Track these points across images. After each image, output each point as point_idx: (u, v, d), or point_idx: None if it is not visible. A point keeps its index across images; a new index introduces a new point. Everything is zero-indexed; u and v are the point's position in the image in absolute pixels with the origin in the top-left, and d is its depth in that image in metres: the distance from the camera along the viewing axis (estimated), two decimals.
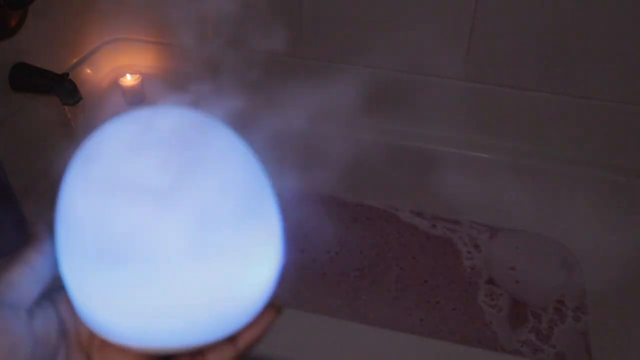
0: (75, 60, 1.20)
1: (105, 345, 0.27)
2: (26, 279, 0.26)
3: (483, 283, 1.16)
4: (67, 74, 1.03)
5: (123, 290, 0.24)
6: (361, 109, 1.24)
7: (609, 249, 1.15)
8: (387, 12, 1.09)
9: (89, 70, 1.24)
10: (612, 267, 1.13)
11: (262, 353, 0.80)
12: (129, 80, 1.30)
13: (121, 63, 1.33)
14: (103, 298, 0.25)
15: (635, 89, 1.05)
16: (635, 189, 1.11)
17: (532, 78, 1.10)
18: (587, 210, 1.18)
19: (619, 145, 1.13)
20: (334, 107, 1.26)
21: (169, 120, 0.27)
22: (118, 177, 0.25)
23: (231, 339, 0.28)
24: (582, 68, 1.06)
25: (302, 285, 1.16)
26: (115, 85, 1.32)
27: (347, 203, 1.33)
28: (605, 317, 1.07)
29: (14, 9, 0.96)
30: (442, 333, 1.07)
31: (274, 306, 0.28)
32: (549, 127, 1.15)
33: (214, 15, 1.21)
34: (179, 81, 1.34)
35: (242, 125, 1.29)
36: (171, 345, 0.26)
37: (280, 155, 1.34)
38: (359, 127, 1.25)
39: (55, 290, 0.27)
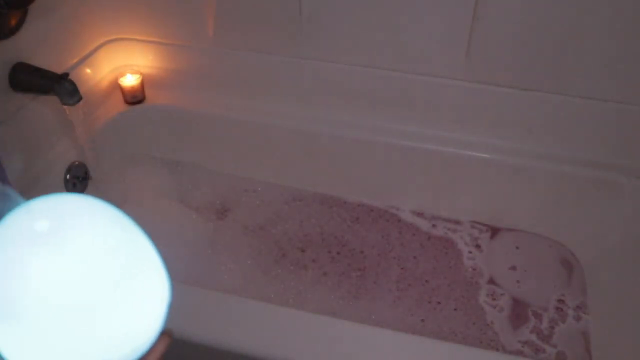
0: (75, 60, 1.20)
1: None
2: None
3: (484, 283, 1.16)
4: (67, 74, 1.02)
5: (40, 344, 0.31)
6: (361, 109, 1.25)
7: (609, 249, 1.16)
8: (387, 12, 1.09)
9: (89, 70, 1.24)
10: (612, 267, 1.14)
11: (263, 353, 0.80)
12: (129, 80, 1.30)
13: (121, 63, 1.32)
14: (26, 353, 0.31)
15: (635, 89, 1.06)
16: (635, 189, 1.12)
17: (532, 78, 1.10)
18: (587, 210, 1.18)
19: (619, 145, 1.13)
20: (334, 107, 1.26)
21: (59, 208, 0.33)
22: (16, 261, 0.31)
23: None
24: (582, 68, 1.06)
25: (302, 285, 1.16)
26: (115, 85, 1.32)
27: (347, 203, 1.33)
28: (605, 317, 1.08)
29: (14, 9, 0.96)
30: (444, 333, 1.07)
31: (167, 333, 0.37)
32: (549, 127, 1.15)
33: (213, 15, 1.21)
34: (179, 81, 1.34)
35: (242, 125, 1.28)
36: None
37: (281, 155, 1.34)
38: (359, 127, 1.25)
39: None
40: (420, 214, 1.30)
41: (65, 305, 0.31)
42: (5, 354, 0.32)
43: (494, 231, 1.26)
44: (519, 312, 1.11)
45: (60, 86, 0.99)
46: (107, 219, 0.34)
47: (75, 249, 0.31)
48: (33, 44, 1.05)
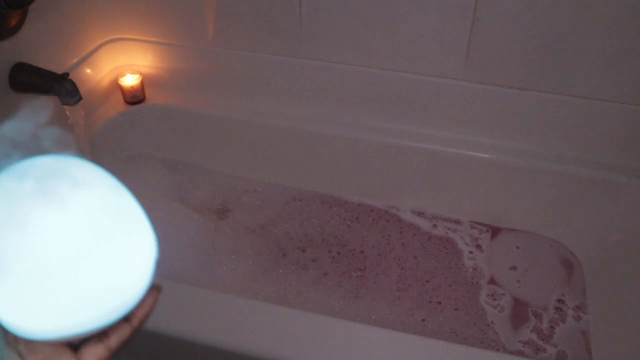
0: (75, 60, 1.20)
1: (29, 341, 0.35)
2: None
3: (485, 283, 1.16)
4: (67, 74, 1.02)
5: (31, 298, 0.32)
6: (361, 109, 1.25)
7: (609, 249, 1.16)
8: (387, 12, 1.09)
9: (89, 70, 1.24)
10: (612, 267, 1.14)
11: (263, 353, 0.80)
12: (129, 80, 1.30)
13: (121, 63, 1.32)
14: (17, 307, 0.33)
15: (635, 89, 1.06)
16: (635, 189, 1.12)
17: (532, 78, 1.10)
18: (587, 210, 1.18)
19: (619, 145, 1.13)
20: (334, 107, 1.26)
21: (50, 167, 0.35)
22: (16, 214, 0.33)
23: (126, 319, 0.38)
24: (582, 68, 1.06)
25: (303, 285, 1.16)
26: (115, 85, 1.32)
27: (348, 203, 1.33)
28: (605, 317, 1.08)
29: (14, 9, 0.96)
30: (444, 333, 1.07)
31: (155, 288, 0.38)
32: (549, 127, 1.15)
33: (213, 15, 1.21)
34: (179, 81, 1.34)
35: (241, 125, 1.27)
36: (79, 331, 0.34)
37: (281, 155, 1.34)
38: (359, 127, 1.25)
39: None
40: (420, 214, 1.30)
41: (53, 258, 0.33)
42: None
43: (495, 231, 1.26)
44: (519, 312, 1.11)
45: (60, 86, 0.99)
46: (98, 180, 0.36)
47: (67, 205, 0.33)
48: (33, 44, 1.04)
